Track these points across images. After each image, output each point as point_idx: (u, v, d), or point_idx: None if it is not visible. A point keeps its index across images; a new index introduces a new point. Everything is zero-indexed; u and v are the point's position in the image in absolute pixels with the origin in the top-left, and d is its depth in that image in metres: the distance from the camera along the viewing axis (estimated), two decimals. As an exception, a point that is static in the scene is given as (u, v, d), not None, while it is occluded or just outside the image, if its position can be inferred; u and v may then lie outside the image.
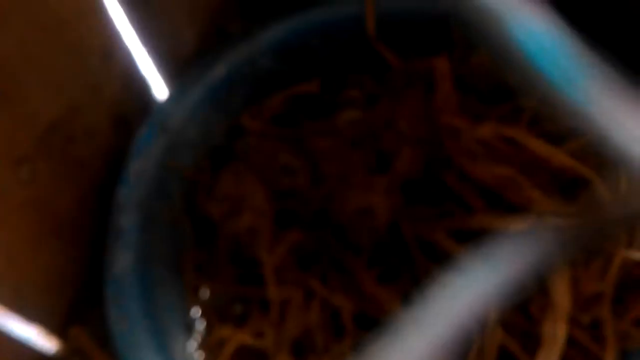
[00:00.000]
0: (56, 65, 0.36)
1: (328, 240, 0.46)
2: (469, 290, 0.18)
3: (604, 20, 0.47)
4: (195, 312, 0.44)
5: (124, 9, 0.40)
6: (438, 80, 0.47)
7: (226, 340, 0.42)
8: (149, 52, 0.44)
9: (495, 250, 0.18)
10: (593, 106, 0.15)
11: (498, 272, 0.18)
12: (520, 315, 0.43)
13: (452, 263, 0.19)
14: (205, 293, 0.45)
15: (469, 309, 0.18)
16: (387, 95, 0.48)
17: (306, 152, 0.46)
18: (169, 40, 0.45)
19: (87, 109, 0.39)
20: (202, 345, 0.43)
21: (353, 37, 0.49)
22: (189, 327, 0.43)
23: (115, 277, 0.40)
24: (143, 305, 0.39)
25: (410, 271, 0.45)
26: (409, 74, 0.50)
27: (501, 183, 0.45)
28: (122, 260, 0.40)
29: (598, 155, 0.15)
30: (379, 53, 0.49)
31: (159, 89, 0.46)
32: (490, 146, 0.46)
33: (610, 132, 0.15)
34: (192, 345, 0.43)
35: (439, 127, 0.47)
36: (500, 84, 0.48)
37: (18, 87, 0.34)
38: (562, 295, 0.40)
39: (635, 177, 0.15)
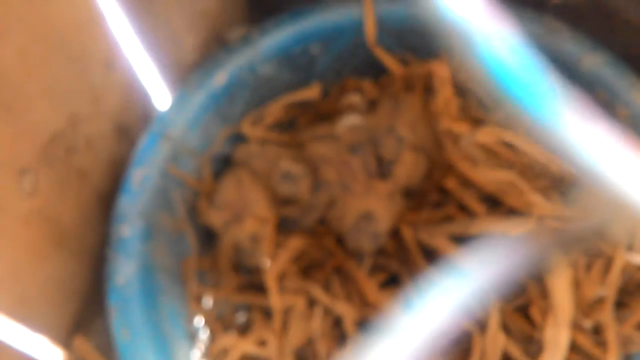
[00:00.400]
0: (57, 75, 0.36)
1: (330, 247, 0.46)
2: (461, 292, 0.19)
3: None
4: (198, 321, 0.44)
5: (124, 19, 0.40)
6: (437, 85, 0.47)
7: (229, 349, 0.42)
8: (149, 61, 0.44)
9: (487, 253, 0.19)
10: (556, 125, 0.15)
11: (489, 274, 0.18)
12: (523, 320, 0.43)
13: (445, 265, 0.19)
14: (208, 302, 0.45)
15: (461, 310, 0.19)
16: (387, 100, 0.48)
17: (307, 158, 0.46)
18: (169, 48, 0.45)
19: (88, 119, 0.39)
20: (206, 354, 0.43)
21: (352, 43, 0.49)
22: (192, 336, 0.43)
23: (118, 286, 0.40)
24: (146, 315, 0.39)
25: (412, 277, 0.45)
26: (408, 79, 0.50)
27: (501, 188, 0.45)
28: (125, 270, 0.40)
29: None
30: (378, 58, 0.49)
31: (160, 98, 0.46)
32: (490, 151, 0.47)
33: (573, 150, 0.15)
34: (196, 354, 0.43)
35: (439, 132, 0.47)
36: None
37: (20, 99, 0.34)
38: (564, 299, 0.40)
39: (596, 193, 0.15)
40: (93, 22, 0.38)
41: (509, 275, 0.18)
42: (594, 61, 0.45)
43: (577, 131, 0.15)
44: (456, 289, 0.18)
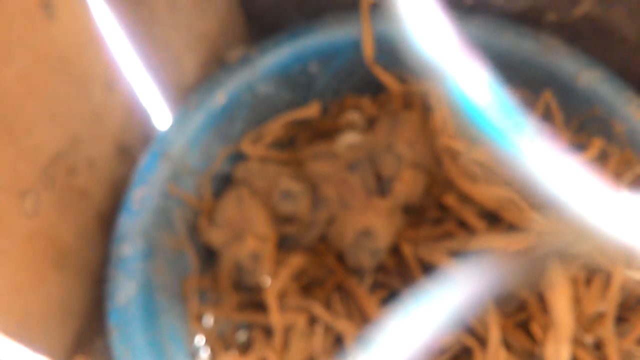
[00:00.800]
0: (59, 97, 0.36)
1: (330, 264, 0.46)
2: (443, 305, 0.19)
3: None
4: (199, 340, 0.44)
5: (124, 40, 0.41)
6: (434, 102, 0.48)
7: (230, 368, 0.42)
8: (150, 81, 0.44)
9: (465, 272, 0.19)
10: (523, 156, 0.16)
11: (466, 290, 0.19)
12: (524, 336, 0.43)
13: (435, 280, 0.20)
14: (208, 320, 0.45)
15: (448, 321, 0.19)
16: (386, 118, 0.48)
17: (306, 176, 0.47)
18: (169, 69, 0.46)
19: (89, 139, 0.40)
20: (207, 373, 0.43)
21: (351, 61, 0.50)
22: (193, 356, 0.43)
23: (118, 306, 0.40)
24: (147, 334, 0.39)
25: (412, 293, 0.45)
26: (406, 97, 0.50)
27: (500, 204, 0.45)
28: (125, 289, 0.40)
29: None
30: (376, 76, 0.50)
31: (161, 118, 0.47)
32: (487, 167, 0.47)
33: (539, 179, 0.16)
34: (197, 373, 0.43)
35: (438, 149, 0.47)
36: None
37: (22, 120, 0.34)
38: (564, 315, 0.40)
39: (562, 219, 0.16)
40: (94, 44, 0.38)
41: (486, 292, 0.19)
42: (591, 77, 0.46)
43: (544, 162, 0.16)
44: (440, 301, 0.19)
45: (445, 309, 0.19)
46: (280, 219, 0.46)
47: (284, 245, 0.46)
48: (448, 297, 0.19)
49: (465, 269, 0.20)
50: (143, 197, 0.43)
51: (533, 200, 0.44)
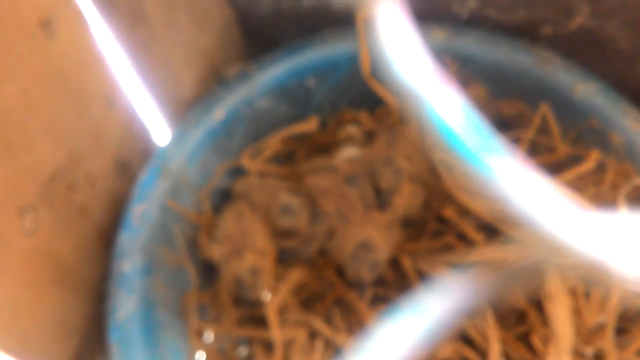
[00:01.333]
0: (59, 114, 0.37)
1: (330, 278, 0.46)
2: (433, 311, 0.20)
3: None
4: (200, 356, 0.44)
5: (124, 57, 0.41)
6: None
7: (231, 383, 0.42)
8: (149, 98, 0.44)
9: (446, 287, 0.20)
10: (496, 176, 0.16)
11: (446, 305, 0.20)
12: (524, 348, 0.43)
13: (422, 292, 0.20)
14: (209, 336, 0.45)
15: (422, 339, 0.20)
16: (384, 132, 0.48)
17: (305, 190, 0.47)
18: (168, 85, 0.46)
19: (89, 156, 0.40)
20: (207, 389, 0.43)
21: (348, 76, 0.50)
22: (193, 371, 0.43)
23: (118, 322, 0.40)
24: (147, 351, 0.39)
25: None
26: (403, 111, 0.50)
27: (498, 216, 0.45)
28: (126, 306, 0.40)
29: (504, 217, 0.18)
30: (374, 90, 0.50)
31: (160, 133, 0.47)
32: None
33: (512, 197, 0.16)
34: (197, 389, 0.43)
35: (435, 163, 0.47)
36: (495, 117, 0.49)
37: (22, 138, 0.34)
38: (564, 327, 0.40)
39: (535, 233, 0.16)
40: (93, 61, 0.39)
41: (469, 300, 0.19)
42: (587, 89, 0.46)
43: (515, 180, 0.16)
44: (429, 309, 0.19)
45: (434, 318, 0.19)
46: (280, 233, 0.46)
47: (284, 259, 0.46)
48: (435, 305, 0.20)
49: (448, 279, 0.20)
50: (143, 213, 0.43)
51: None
